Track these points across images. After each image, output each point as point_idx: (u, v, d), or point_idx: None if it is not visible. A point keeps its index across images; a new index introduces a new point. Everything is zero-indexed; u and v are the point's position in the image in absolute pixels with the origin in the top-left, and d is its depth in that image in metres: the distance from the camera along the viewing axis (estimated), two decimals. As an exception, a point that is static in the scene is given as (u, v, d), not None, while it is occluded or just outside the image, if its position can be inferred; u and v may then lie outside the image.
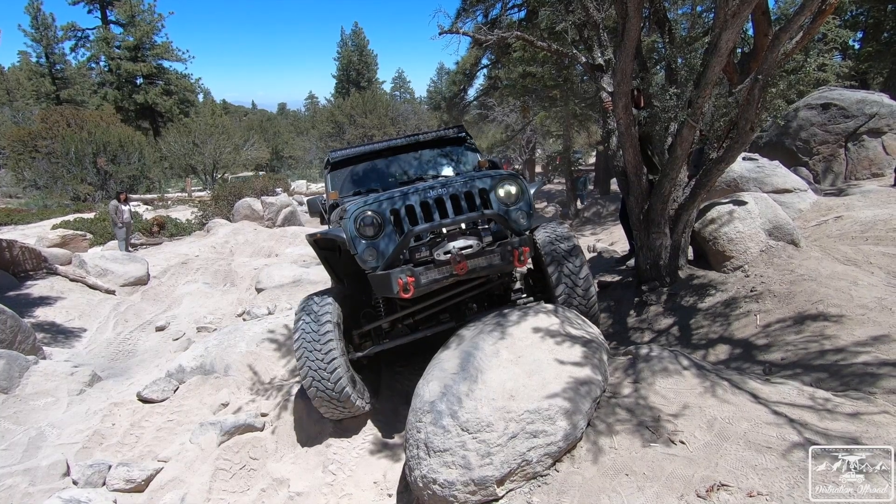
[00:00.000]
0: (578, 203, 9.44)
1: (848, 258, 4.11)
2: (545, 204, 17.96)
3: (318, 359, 3.19)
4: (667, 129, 4.22)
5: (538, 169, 21.14)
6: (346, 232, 3.20)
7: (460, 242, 3.13)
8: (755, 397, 2.52)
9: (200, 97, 46.22)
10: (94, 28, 39.26)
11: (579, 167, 9.66)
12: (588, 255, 6.94)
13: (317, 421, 3.76)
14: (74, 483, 3.41)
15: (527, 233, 3.27)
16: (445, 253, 3.07)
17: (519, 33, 4.85)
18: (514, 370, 2.67)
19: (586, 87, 10.07)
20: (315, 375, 3.19)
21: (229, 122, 36.72)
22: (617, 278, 5.18)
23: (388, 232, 3.18)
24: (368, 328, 3.69)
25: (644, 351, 3.10)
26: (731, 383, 2.67)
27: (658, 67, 5.12)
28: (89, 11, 38.85)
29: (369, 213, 3.21)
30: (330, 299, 3.40)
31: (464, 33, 5.04)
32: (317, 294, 3.52)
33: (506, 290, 3.98)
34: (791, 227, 4.20)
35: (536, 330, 3.03)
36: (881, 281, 3.66)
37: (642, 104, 4.39)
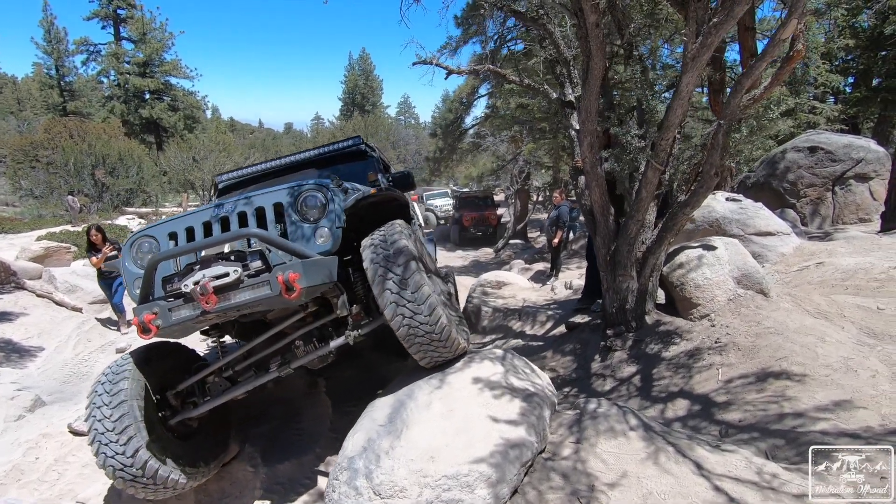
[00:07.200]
0: (556, 269, 9.45)
1: (819, 310, 3.93)
2: (538, 233, 17.88)
3: (115, 450, 2.71)
4: (635, 171, 4.10)
5: (538, 197, 21.12)
6: (122, 260, 2.86)
7: (214, 270, 2.57)
8: (699, 468, 2.32)
9: (209, 114, 46.86)
10: (106, 43, 40.07)
11: (565, 201, 9.51)
12: (565, 293, 6.77)
13: (252, 473, 3.53)
14: (-21, 524, 3.17)
15: (317, 255, 2.71)
16: (195, 283, 2.53)
17: (491, 66, 4.79)
18: (443, 426, 2.48)
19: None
20: (115, 464, 2.71)
21: (231, 140, 37.06)
22: (586, 319, 4.99)
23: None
24: (182, 387, 3.15)
25: (592, 406, 2.90)
26: (677, 449, 2.46)
27: (628, 105, 5.04)
28: (103, 27, 39.74)
29: (145, 237, 2.87)
30: (129, 366, 2.93)
31: (437, 64, 4.98)
32: (123, 357, 3.05)
33: (342, 322, 3.19)
34: (760, 276, 4.03)
35: (476, 380, 2.84)
36: (851, 338, 3.47)
37: (610, 145, 4.28)
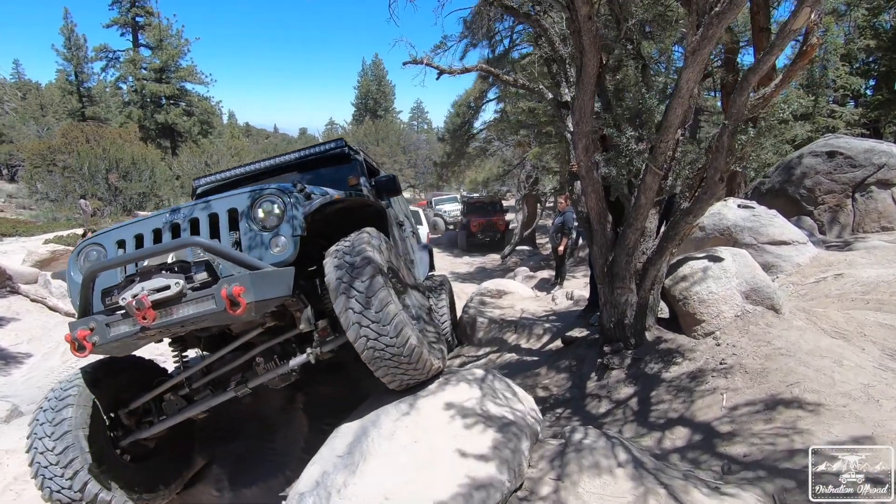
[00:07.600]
0: (561, 274, 9.26)
1: (837, 329, 3.59)
2: (546, 239, 17.54)
3: (61, 485, 2.49)
4: (634, 177, 3.81)
5: (547, 203, 20.78)
6: (67, 270, 2.69)
7: (154, 282, 2.37)
8: (693, 516, 2.02)
9: (225, 119, 47.39)
10: (124, 50, 40.83)
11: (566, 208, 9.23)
12: (566, 303, 6.46)
13: (217, 497, 3.32)
14: (-76, 549, 2.98)
15: (270, 266, 2.48)
16: (133, 297, 2.31)
17: (485, 66, 4.55)
18: (403, 461, 2.22)
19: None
20: (61, 498, 2.50)
21: (245, 144, 37.38)
22: (584, 333, 4.68)
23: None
24: (135, 405, 2.93)
25: (578, 436, 2.61)
26: (669, 492, 2.17)
27: (633, 108, 4.74)
28: (122, 34, 40.52)
29: (92, 245, 2.70)
30: (74, 390, 2.67)
31: (428, 64, 4.75)
32: (68, 379, 2.79)
33: (307, 338, 2.94)
34: (771, 291, 3.70)
35: (449, 406, 2.58)
36: (872, 361, 3.13)
37: (608, 148, 4.00)
